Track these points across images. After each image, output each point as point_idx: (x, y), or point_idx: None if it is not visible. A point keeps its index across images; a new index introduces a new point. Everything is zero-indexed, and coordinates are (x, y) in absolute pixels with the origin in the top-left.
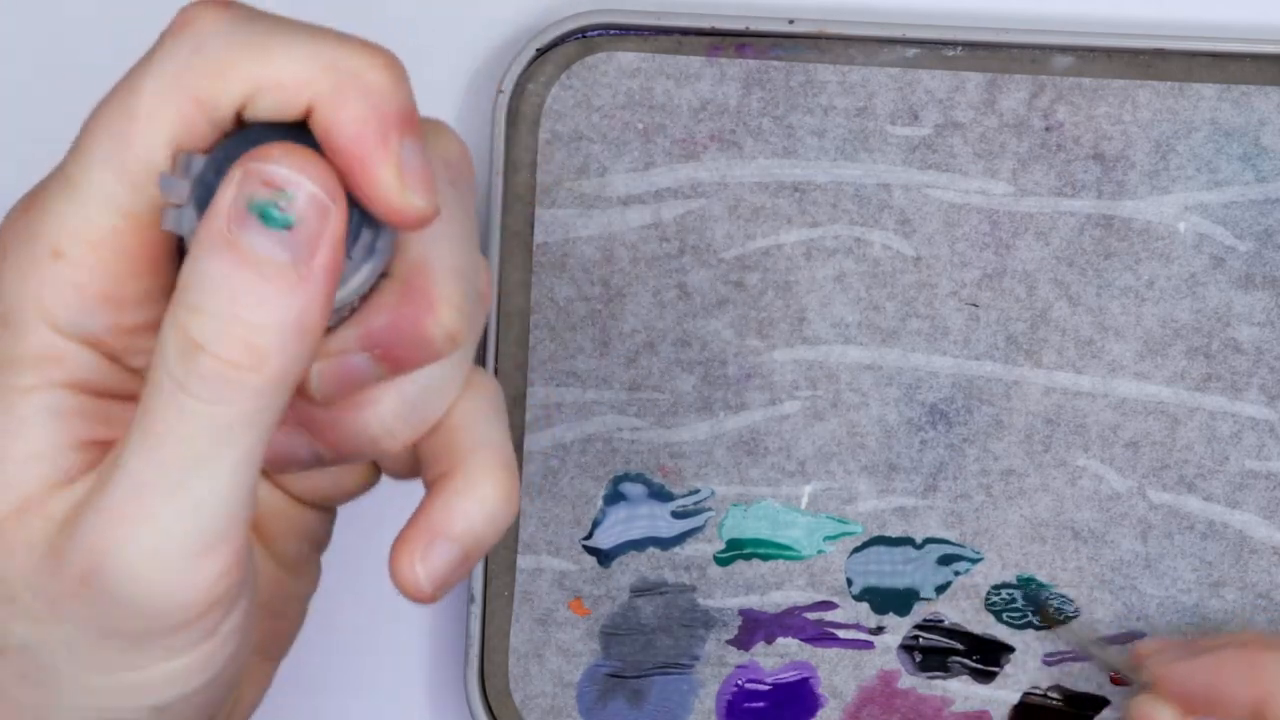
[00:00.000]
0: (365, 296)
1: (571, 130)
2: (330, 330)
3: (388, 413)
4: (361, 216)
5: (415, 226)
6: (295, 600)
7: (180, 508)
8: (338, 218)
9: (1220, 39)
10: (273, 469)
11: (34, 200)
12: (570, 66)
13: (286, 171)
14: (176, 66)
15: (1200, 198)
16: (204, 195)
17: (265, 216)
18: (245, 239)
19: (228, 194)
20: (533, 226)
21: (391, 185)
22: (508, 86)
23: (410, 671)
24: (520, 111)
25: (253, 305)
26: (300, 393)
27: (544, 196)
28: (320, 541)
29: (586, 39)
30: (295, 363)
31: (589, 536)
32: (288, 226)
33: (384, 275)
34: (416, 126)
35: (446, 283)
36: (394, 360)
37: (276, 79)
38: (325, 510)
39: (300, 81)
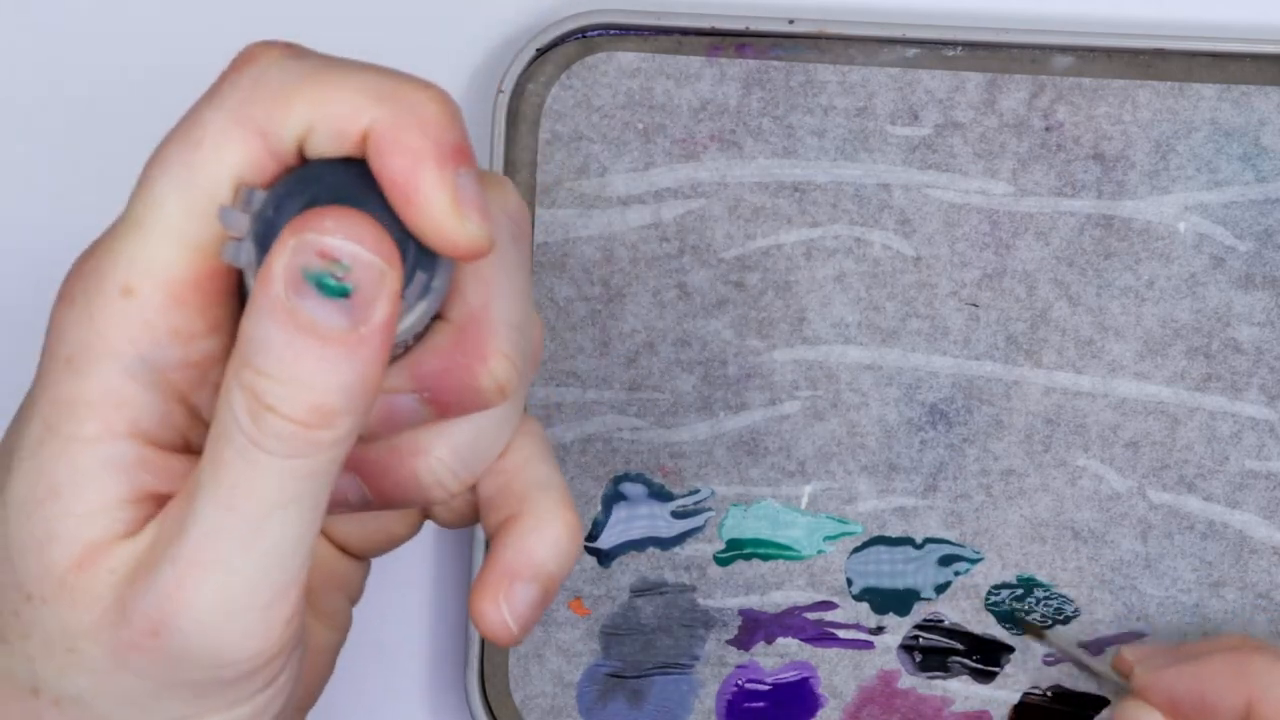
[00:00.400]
0: (420, 335)
1: (571, 130)
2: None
3: (437, 462)
4: (418, 255)
5: (470, 256)
6: (327, 651)
7: (253, 556)
8: (394, 280)
9: (1220, 39)
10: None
11: (98, 246)
12: (570, 66)
13: (340, 243)
14: (238, 99)
15: (1200, 198)
16: (263, 230)
17: (322, 286)
18: (304, 307)
19: (282, 260)
20: (533, 226)
21: (448, 213)
22: (508, 86)
23: (410, 671)
24: (520, 111)
25: (316, 371)
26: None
27: (544, 196)
28: (354, 593)
29: (586, 39)
30: (361, 416)
31: (589, 537)
32: (345, 294)
33: (438, 317)
34: (471, 158)
35: (501, 334)
36: (442, 405)
37: (334, 109)
38: (363, 561)
39: (357, 111)
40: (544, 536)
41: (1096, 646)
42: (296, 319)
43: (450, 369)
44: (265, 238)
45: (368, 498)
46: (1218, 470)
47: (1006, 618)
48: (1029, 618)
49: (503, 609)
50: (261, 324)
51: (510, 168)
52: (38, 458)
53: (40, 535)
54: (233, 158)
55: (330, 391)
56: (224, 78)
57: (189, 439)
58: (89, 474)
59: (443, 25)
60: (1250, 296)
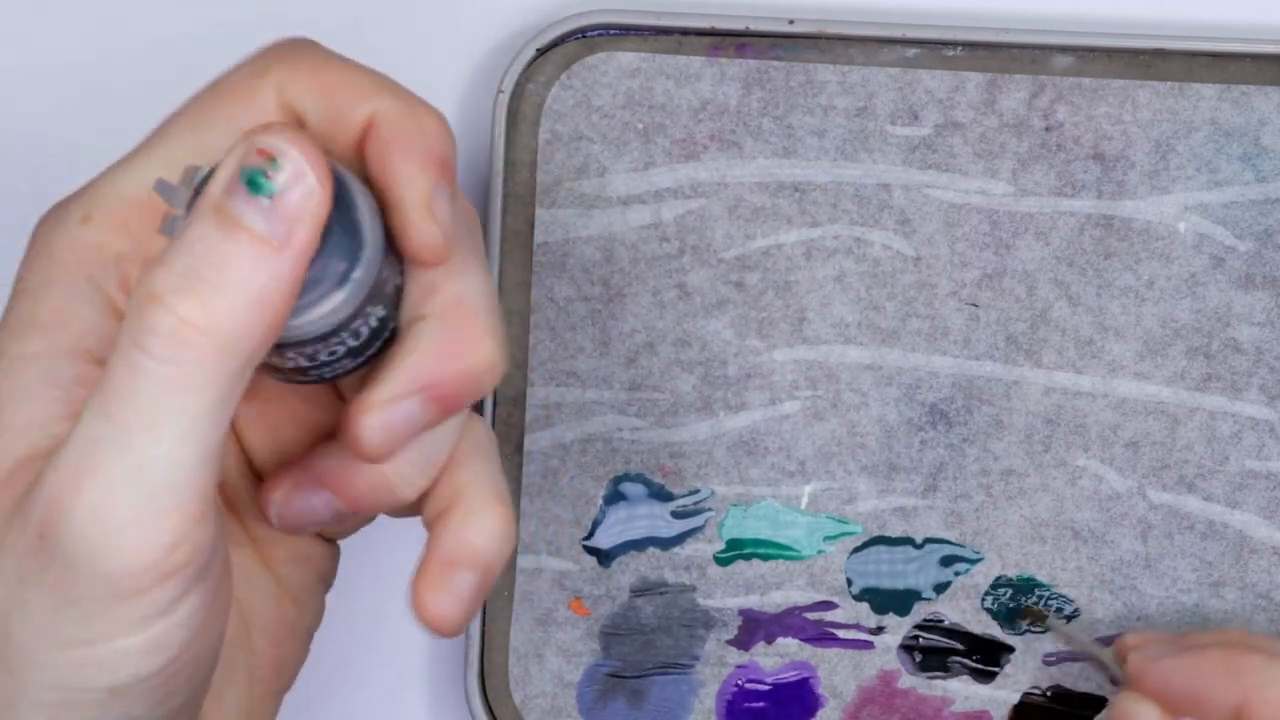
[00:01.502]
0: (385, 344)
1: (571, 130)
2: (348, 372)
3: (404, 463)
4: (350, 246)
5: (426, 259)
6: (298, 632)
7: (125, 466)
8: (320, 201)
9: (1220, 39)
10: (295, 530)
11: (76, 192)
12: (570, 66)
13: (282, 143)
14: (265, 62)
15: (1200, 198)
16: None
17: (252, 183)
18: (231, 204)
19: (229, 162)
20: (533, 226)
21: (424, 215)
22: (508, 86)
23: (410, 671)
24: (520, 111)
25: (218, 266)
26: (358, 452)
27: (544, 196)
28: (325, 575)
29: (586, 39)
30: (250, 334)
31: (589, 536)
32: (270, 196)
33: (392, 337)
34: (454, 179)
35: (483, 315)
36: (443, 400)
37: (348, 88)
38: (329, 544)
39: (365, 95)
40: (478, 525)
41: (1082, 638)
42: (219, 214)
43: (444, 359)
44: None
45: (340, 509)
46: (1218, 470)
47: (1004, 615)
48: (1028, 602)
49: (442, 598)
50: (189, 222)
51: (510, 168)
52: None
53: None
54: (247, 100)
55: (223, 291)
56: (259, 49)
57: None
58: (29, 390)
59: (443, 25)
60: (1250, 296)
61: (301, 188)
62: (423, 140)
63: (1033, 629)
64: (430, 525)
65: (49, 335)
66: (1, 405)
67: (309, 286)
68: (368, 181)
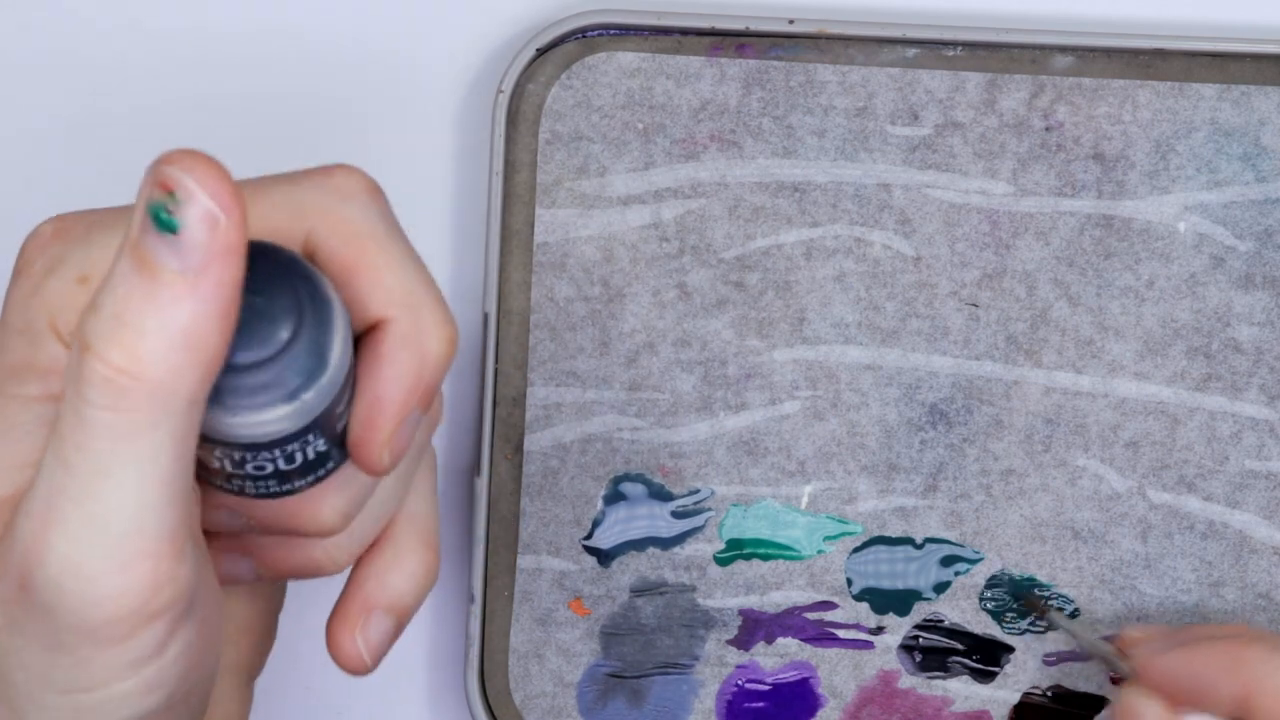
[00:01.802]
0: (318, 480)
1: (571, 130)
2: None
3: (330, 542)
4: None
5: (366, 469)
6: (262, 615)
7: (88, 515)
8: (229, 227)
9: (1220, 39)
10: (220, 582)
11: (73, 226)
12: (570, 66)
13: (177, 174)
14: (299, 201)
15: (1200, 198)
16: None
17: (156, 219)
18: (143, 241)
19: (141, 195)
20: (533, 226)
21: (385, 436)
22: (508, 86)
23: (410, 671)
24: (520, 111)
25: (138, 309)
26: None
27: (544, 196)
28: (278, 601)
29: (586, 39)
30: (182, 376)
31: (589, 536)
32: (174, 231)
33: (325, 476)
34: (431, 402)
35: (429, 535)
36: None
37: (384, 278)
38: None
39: (394, 297)
40: (402, 570)
41: (1083, 631)
42: (135, 253)
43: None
44: None
45: (262, 574)
46: (1218, 470)
47: (998, 612)
48: (1030, 592)
49: (358, 640)
50: (114, 263)
51: (510, 168)
52: None
53: None
54: (262, 228)
55: (147, 335)
56: (303, 176)
57: None
58: (23, 428)
59: (443, 25)
60: (1250, 296)
61: (205, 220)
62: (424, 369)
63: (1034, 627)
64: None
65: (46, 382)
66: None
67: (257, 390)
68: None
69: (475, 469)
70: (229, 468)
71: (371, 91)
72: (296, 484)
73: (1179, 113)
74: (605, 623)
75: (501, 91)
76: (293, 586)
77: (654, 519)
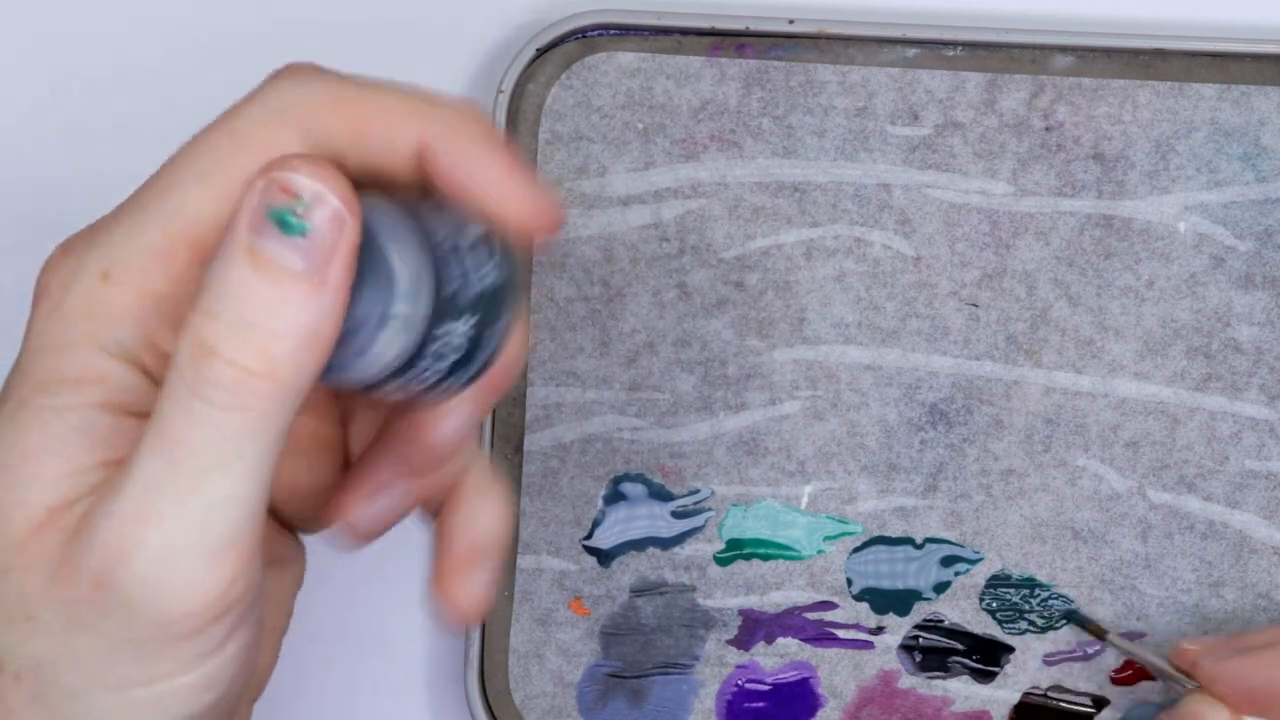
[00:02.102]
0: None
1: (571, 130)
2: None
3: (461, 419)
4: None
5: (549, 226)
6: (273, 637)
7: (192, 511)
8: (353, 229)
9: (1220, 39)
10: (373, 535)
11: (79, 238)
12: (570, 66)
13: (305, 180)
14: (283, 99)
15: (1200, 198)
16: None
17: (282, 223)
18: (263, 245)
19: (251, 201)
20: None
21: (527, 186)
22: (508, 86)
23: (410, 671)
24: (520, 111)
25: (268, 312)
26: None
27: None
28: (298, 578)
29: (586, 39)
30: (306, 371)
31: (589, 536)
32: (303, 234)
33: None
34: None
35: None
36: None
37: (386, 113)
38: (300, 545)
39: (407, 116)
40: (490, 512)
41: (1140, 649)
42: (254, 257)
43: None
44: None
45: (412, 461)
46: (1218, 470)
47: (1008, 616)
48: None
49: (470, 594)
50: (219, 267)
51: None
52: (14, 424)
53: (6, 503)
54: (266, 153)
55: (279, 336)
56: (266, 82)
57: None
58: (62, 439)
59: (443, 25)
60: (1250, 296)
61: (333, 221)
62: (487, 143)
63: (1033, 627)
64: (433, 512)
65: (81, 391)
66: (30, 453)
67: (348, 339)
68: (440, 201)
69: None
70: (415, 387)
71: None
72: (479, 360)
73: (1179, 113)
74: (605, 623)
75: (501, 91)
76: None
77: (654, 519)
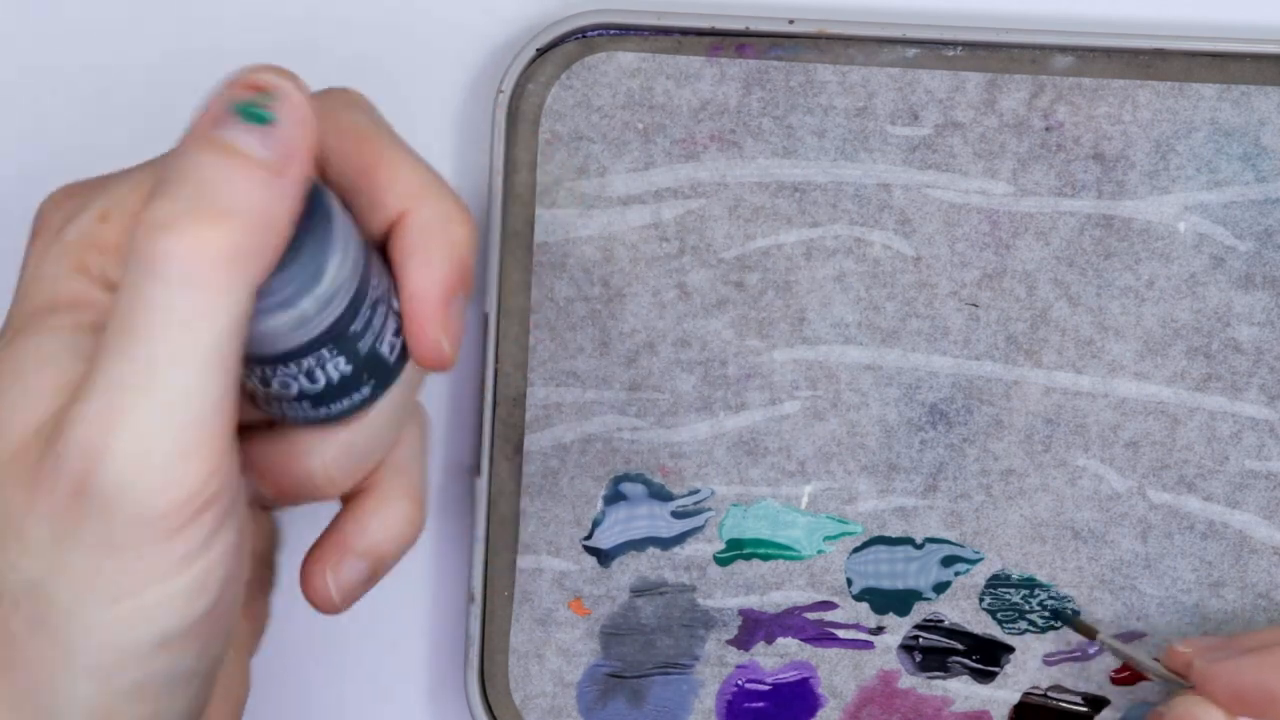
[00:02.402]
0: (357, 408)
1: (571, 130)
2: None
3: (331, 463)
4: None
5: (430, 363)
6: (262, 592)
7: (156, 404)
8: (312, 132)
9: (1220, 39)
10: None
11: (85, 184)
12: (570, 66)
13: (274, 78)
14: (326, 102)
15: (1200, 198)
16: None
17: (247, 113)
18: (226, 133)
19: (216, 102)
20: (533, 226)
21: (439, 326)
22: (508, 86)
23: (410, 671)
24: (520, 111)
25: (225, 188)
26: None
27: (544, 196)
28: (275, 540)
29: (586, 39)
30: (252, 260)
31: (589, 536)
32: (268, 122)
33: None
34: (470, 290)
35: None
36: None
37: (402, 170)
38: (267, 513)
39: (410, 190)
40: (384, 519)
41: (1131, 649)
42: (215, 143)
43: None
44: None
45: (265, 495)
46: (1218, 470)
47: (1008, 616)
48: (1080, 619)
49: (329, 581)
50: (177, 156)
51: (510, 168)
52: (11, 349)
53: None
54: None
55: (233, 212)
56: (322, 90)
57: None
58: (54, 356)
59: (443, 25)
60: (1250, 296)
61: (296, 118)
62: (453, 251)
63: (1033, 628)
64: (343, 504)
65: (73, 313)
66: (23, 370)
67: (259, 303)
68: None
69: (475, 469)
70: (259, 387)
71: (371, 91)
72: (331, 408)
73: (1179, 113)
74: (605, 623)
75: (501, 91)
76: (290, 589)
77: (654, 519)
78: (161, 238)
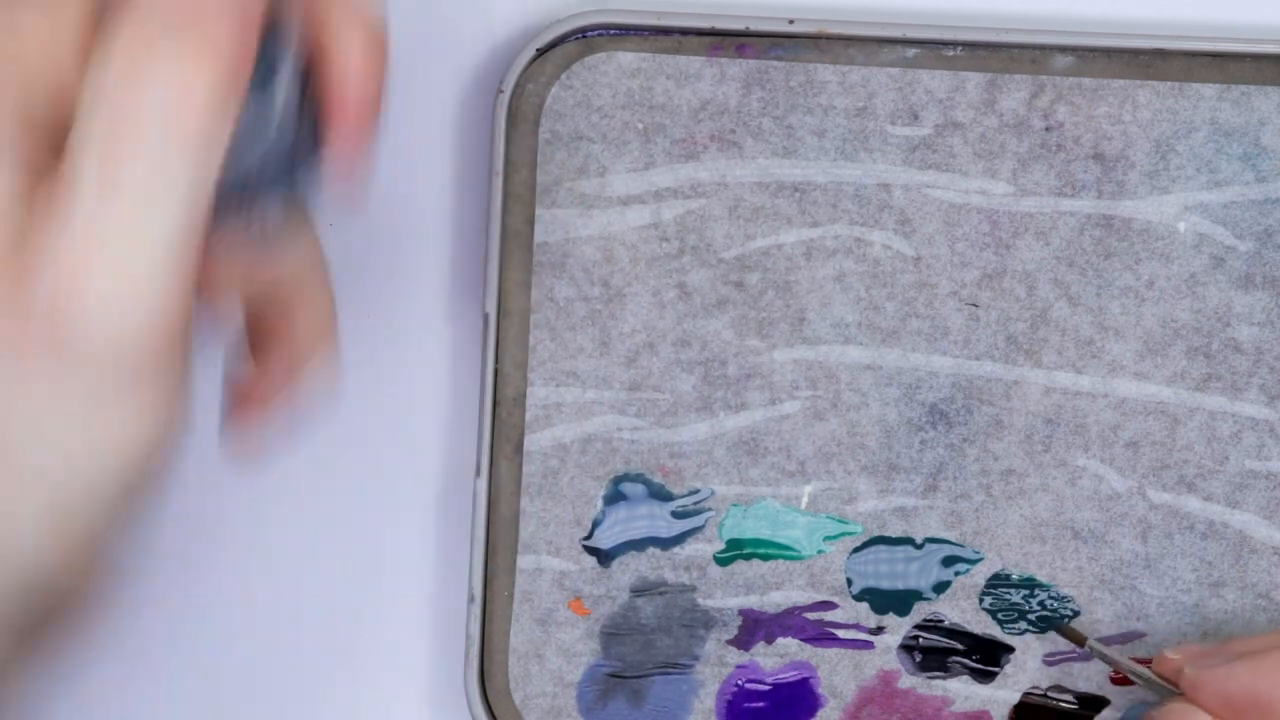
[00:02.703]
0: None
1: (571, 130)
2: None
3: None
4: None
5: (352, 118)
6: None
7: (141, 241)
8: None
9: (1220, 39)
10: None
11: None
12: (570, 66)
13: None
14: None
15: (1200, 198)
16: None
17: None
18: None
19: None
20: (533, 226)
21: (360, 77)
22: (508, 86)
23: (410, 671)
24: (520, 111)
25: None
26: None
27: (544, 196)
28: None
29: (586, 39)
30: (236, 87)
31: (589, 536)
32: None
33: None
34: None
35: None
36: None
37: None
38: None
39: None
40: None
41: (1116, 655)
42: None
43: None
44: None
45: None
46: (1218, 470)
47: (1008, 616)
48: (1068, 625)
49: (258, 435)
50: None
51: (510, 168)
52: None
53: None
54: None
55: (213, 37)
56: None
57: None
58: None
59: (443, 25)
60: (1250, 296)
61: None
62: (363, 13)
63: (1033, 628)
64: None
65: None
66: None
67: None
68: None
69: (475, 469)
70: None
71: None
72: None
73: (1179, 113)
74: (605, 623)
75: (501, 91)
76: (291, 592)
77: (654, 519)
78: (146, 65)
